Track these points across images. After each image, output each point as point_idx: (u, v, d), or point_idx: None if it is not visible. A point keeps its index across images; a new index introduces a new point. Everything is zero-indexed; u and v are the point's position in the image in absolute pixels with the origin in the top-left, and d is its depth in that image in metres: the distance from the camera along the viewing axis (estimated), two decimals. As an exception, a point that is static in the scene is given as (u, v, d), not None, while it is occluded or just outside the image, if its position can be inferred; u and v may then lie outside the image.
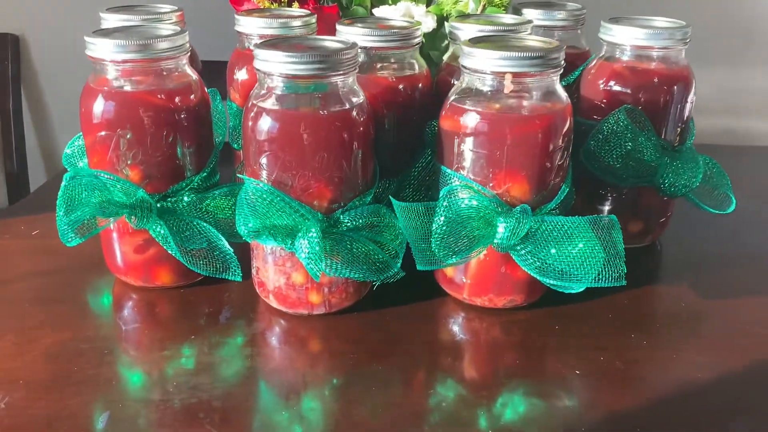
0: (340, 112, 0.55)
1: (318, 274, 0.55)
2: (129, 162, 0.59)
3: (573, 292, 0.57)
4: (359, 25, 0.66)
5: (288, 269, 0.59)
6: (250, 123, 0.55)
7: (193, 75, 0.62)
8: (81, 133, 0.70)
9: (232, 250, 0.62)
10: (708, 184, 0.70)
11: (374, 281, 0.59)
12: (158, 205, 0.59)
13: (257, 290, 0.63)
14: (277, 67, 0.53)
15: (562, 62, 0.56)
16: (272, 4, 0.77)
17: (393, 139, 0.67)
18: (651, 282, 0.70)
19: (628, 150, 0.65)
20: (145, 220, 0.59)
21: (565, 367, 0.56)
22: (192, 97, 0.61)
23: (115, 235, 0.63)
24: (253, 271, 0.62)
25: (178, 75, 0.60)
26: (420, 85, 0.68)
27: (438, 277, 0.64)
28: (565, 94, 0.58)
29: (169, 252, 0.61)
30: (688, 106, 0.69)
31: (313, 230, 0.54)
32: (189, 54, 0.62)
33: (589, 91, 0.70)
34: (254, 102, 0.56)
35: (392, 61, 0.66)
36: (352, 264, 0.56)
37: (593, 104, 0.69)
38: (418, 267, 0.58)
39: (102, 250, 0.66)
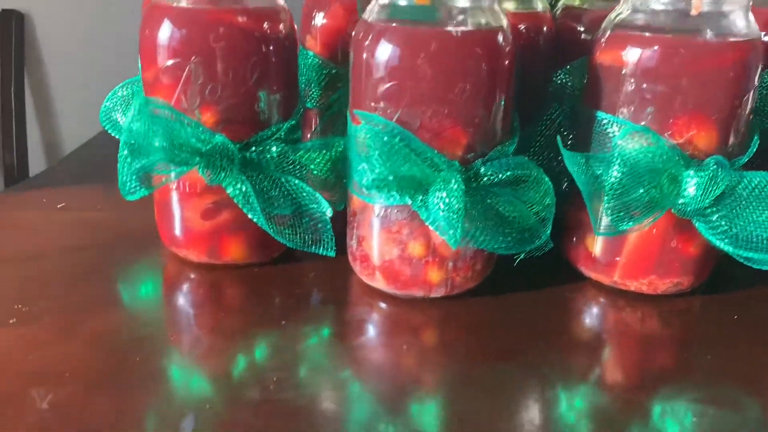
0: (485, 33, 0.43)
1: (458, 238, 0.42)
2: (201, 101, 0.46)
3: (773, 267, 0.45)
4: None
5: (404, 237, 0.46)
6: (366, 47, 0.43)
7: (284, 6, 0.50)
8: (122, 85, 0.58)
9: (328, 216, 0.49)
10: None
11: (517, 254, 0.47)
12: (240, 154, 0.47)
13: (356, 268, 0.50)
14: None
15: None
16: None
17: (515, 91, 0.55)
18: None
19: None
20: (223, 173, 0.46)
21: (750, 367, 0.44)
22: (281, 26, 0.48)
23: (175, 196, 0.50)
24: (352, 244, 0.50)
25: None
26: (544, 27, 0.56)
27: (575, 256, 0.52)
28: (757, 27, 0.46)
29: (251, 217, 0.48)
30: None
31: (454, 181, 0.42)
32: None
33: None
34: (371, 21, 0.44)
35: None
36: (494, 230, 0.44)
37: None
38: (596, 233, 0.46)
39: (154, 217, 0.53)
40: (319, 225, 0.50)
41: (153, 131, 0.44)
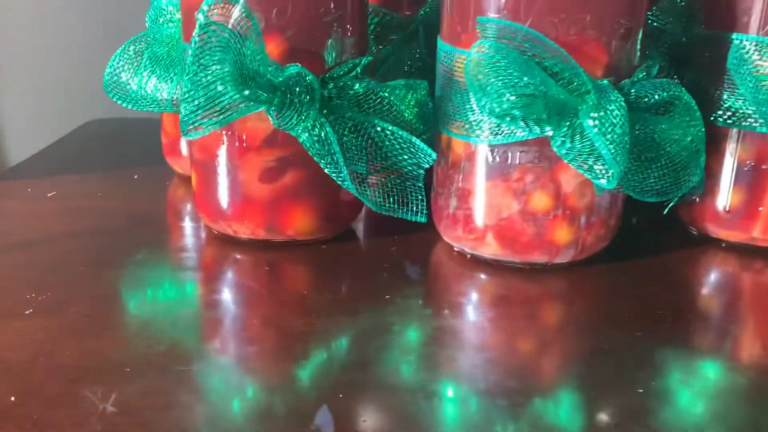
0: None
1: (620, 173, 0.34)
2: (267, 25, 0.37)
3: None
4: None
5: (528, 186, 0.38)
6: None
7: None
8: (132, 40, 0.48)
9: (422, 172, 0.40)
10: None
11: (674, 198, 0.38)
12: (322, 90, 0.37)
13: (454, 233, 0.41)
14: None
15: None
16: None
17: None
18: None
19: None
20: (303, 113, 0.37)
21: None
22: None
23: (224, 153, 0.40)
24: (450, 203, 0.40)
25: None
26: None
27: (701, 213, 0.44)
28: None
29: (331, 173, 0.38)
30: None
31: (615, 98, 0.33)
32: None
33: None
34: None
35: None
36: (648, 166, 0.36)
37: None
38: None
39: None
40: (409, 183, 0.40)
41: (216, 58, 0.34)
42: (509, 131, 0.36)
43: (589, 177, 0.35)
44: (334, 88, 0.38)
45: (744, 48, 0.40)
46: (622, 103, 0.33)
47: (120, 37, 0.52)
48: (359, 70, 0.40)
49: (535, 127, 0.35)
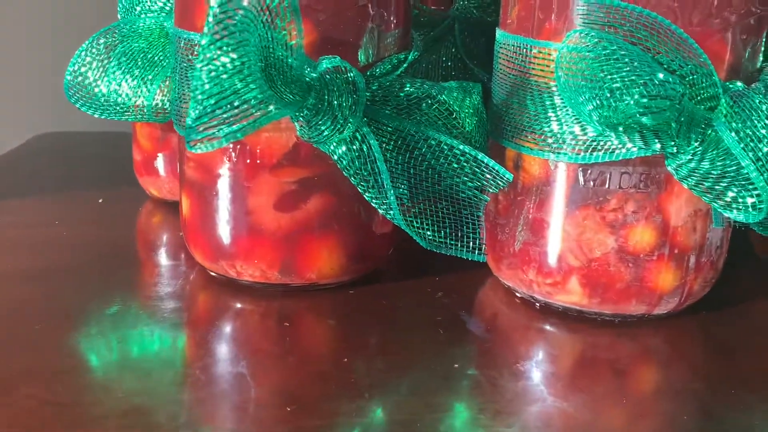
0: None
1: (763, 201, 0.26)
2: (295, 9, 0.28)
3: None
4: None
5: (628, 219, 0.29)
6: None
7: None
8: (101, 31, 0.39)
9: (486, 198, 0.31)
10: None
11: None
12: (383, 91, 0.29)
13: (523, 276, 0.32)
14: None
15: None
16: None
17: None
18: None
19: None
20: (333, 122, 0.28)
21: None
22: None
23: (228, 173, 0.31)
24: (518, 239, 0.32)
25: None
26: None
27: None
28: None
29: (372, 200, 0.29)
30: None
31: (759, 101, 0.25)
32: None
33: None
34: None
35: None
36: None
37: None
38: None
39: (185, 214, 0.33)
40: (465, 212, 0.32)
41: (236, 43, 0.25)
42: (612, 147, 0.27)
43: (718, 207, 0.27)
44: (379, 89, 0.29)
45: None
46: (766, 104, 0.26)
47: (82, 31, 0.42)
48: (405, 68, 0.31)
49: (655, 141, 0.26)
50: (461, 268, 0.35)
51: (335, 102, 0.27)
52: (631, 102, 0.24)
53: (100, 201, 0.46)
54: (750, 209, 0.26)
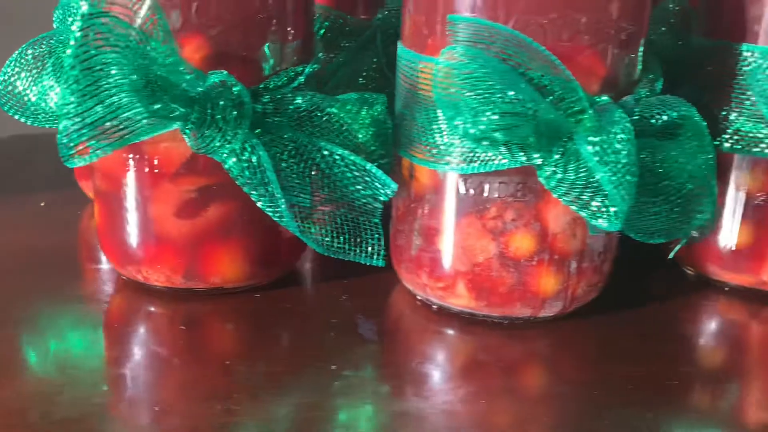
0: None
1: (626, 209, 0.27)
2: (184, 23, 0.29)
3: None
4: None
5: (507, 226, 0.31)
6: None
7: None
8: (30, 42, 0.40)
9: (379, 206, 0.33)
10: None
11: (684, 237, 0.32)
12: (254, 104, 0.30)
13: (417, 281, 0.33)
14: None
15: None
16: None
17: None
18: None
19: None
20: (228, 133, 0.29)
21: None
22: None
23: (133, 182, 0.32)
24: (414, 244, 0.33)
25: None
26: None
27: (700, 253, 0.38)
28: None
29: (265, 208, 0.30)
30: None
31: (619, 118, 0.27)
32: None
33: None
34: None
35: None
36: (655, 200, 0.30)
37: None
38: None
39: (97, 220, 0.35)
40: (362, 219, 0.33)
41: (110, 62, 0.27)
42: (486, 158, 0.29)
43: (585, 216, 0.28)
44: (270, 101, 0.30)
45: (756, 61, 0.34)
46: (628, 125, 0.27)
47: (18, 37, 0.44)
48: (303, 80, 0.32)
49: (520, 153, 0.28)
50: (375, 272, 0.36)
51: (219, 116, 0.28)
52: (484, 119, 0.25)
53: (42, 204, 0.47)
54: (611, 219, 0.28)
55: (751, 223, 0.36)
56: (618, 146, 0.26)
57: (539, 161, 0.28)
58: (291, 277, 0.37)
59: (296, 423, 0.26)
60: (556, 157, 0.27)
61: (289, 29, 0.33)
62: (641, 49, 0.31)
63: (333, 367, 0.29)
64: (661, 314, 0.36)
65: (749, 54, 0.34)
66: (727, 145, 0.35)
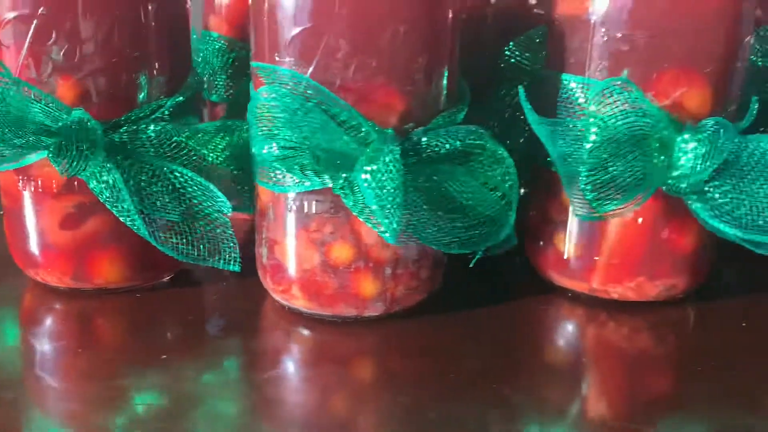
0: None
1: (396, 229, 0.32)
2: (55, 68, 0.35)
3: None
4: None
5: (327, 237, 0.35)
6: (271, -14, 0.33)
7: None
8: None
9: (228, 219, 0.38)
10: None
11: (478, 251, 0.36)
12: (106, 136, 0.36)
13: (267, 283, 0.39)
14: None
15: None
16: None
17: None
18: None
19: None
20: (81, 161, 0.35)
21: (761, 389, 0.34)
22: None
23: (26, 198, 0.38)
24: (261, 252, 0.38)
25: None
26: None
27: (544, 260, 0.42)
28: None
29: (125, 221, 0.36)
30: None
31: (388, 151, 0.31)
32: None
33: None
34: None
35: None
36: (443, 219, 0.34)
37: None
38: (577, 216, 0.36)
39: (5, 229, 0.41)
40: (219, 230, 0.38)
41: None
42: (295, 177, 0.34)
43: (376, 230, 0.33)
44: (126, 132, 0.36)
45: (570, 88, 0.37)
46: (397, 156, 0.31)
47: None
48: (167, 112, 0.38)
49: (315, 176, 0.33)
50: (254, 276, 0.41)
51: (73, 147, 0.34)
52: (265, 150, 0.31)
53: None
54: (388, 234, 0.32)
55: (580, 236, 0.40)
56: (384, 175, 0.31)
57: (330, 184, 0.32)
58: (179, 279, 0.43)
59: (162, 381, 0.32)
60: (341, 181, 0.32)
61: (155, 67, 0.38)
62: (444, 82, 0.35)
63: (163, 357, 0.34)
64: (497, 316, 0.40)
65: (567, 83, 0.38)
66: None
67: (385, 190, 0.31)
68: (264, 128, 0.33)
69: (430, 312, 0.39)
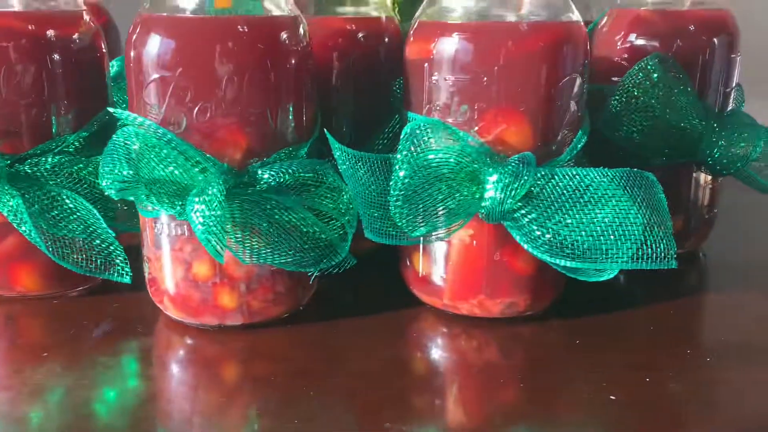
0: (258, 20, 0.39)
1: (220, 251, 0.37)
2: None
3: (600, 279, 0.39)
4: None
5: (187, 255, 0.41)
6: (133, 38, 0.39)
7: (85, 12, 0.46)
8: None
9: (113, 235, 0.44)
10: (770, 162, 0.53)
11: (311, 272, 0.41)
12: (10, 168, 0.42)
13: (149, 293, 0.45)
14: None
15: (571, -42, 0.40)
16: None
17: (352, 104, 0.51)
18: (696, 293, 0.52)
19: (662, 110, 0.49)
20: (-14, 190, 0.42)
21: (595, 393, 0.37)
22: (76, 36, 0.45)
23: (-41, 219, 0.46)
24: (144, 268, 0.44)
25: (55, 2, 0.45)
26: (385, 37, 0.52)
27: (409, 278, 0.46)
28: (578, 15, 0.42)
29: (29, 239, 0.43)
30: (734, 63, 0.53)
31: (213, 185, 0.37)
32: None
33: (603, 49, 0.54)
34: (139, 12, 0.40)
35: (350, 2, 0.51)
36: (276, 243, 0.39)
37: (611, 64, 0.53)
38: (367, 234, 0.41)
39: None
40: (112, 248, 0.44)
41: None
42: (149, 207, 0.39)
43: (233, 252, 0.38)
44: (28, 164, 0.43)
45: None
46: (221, 188, 0.36)
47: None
48: (71, 147, 0.44)
49: (158, 203, 0.38)
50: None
51: (-21, 178, 0.41)
52: (105, 182, 0.36)
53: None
54: (218, 256, 0.37)
55: (429, 256, 0.44)
56: (208, 202, 0.36)
57: (172, 211, 0.38)
58: (98, 290, 0.49)
59: (39, 377, 0.38)
60: (178, 208, 0.38)
61: (63, 106, 0.44)
62: (290, 119, 0.40)
63: (45, 354, 0.41)
64: (357, 327, 0.45)
65: (411, 119, 0.42)
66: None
67: (207, 219, 0.36)
68: (118, 154, 0.39)
69: (294, 322, 0.44)
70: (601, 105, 0.51)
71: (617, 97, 0.49)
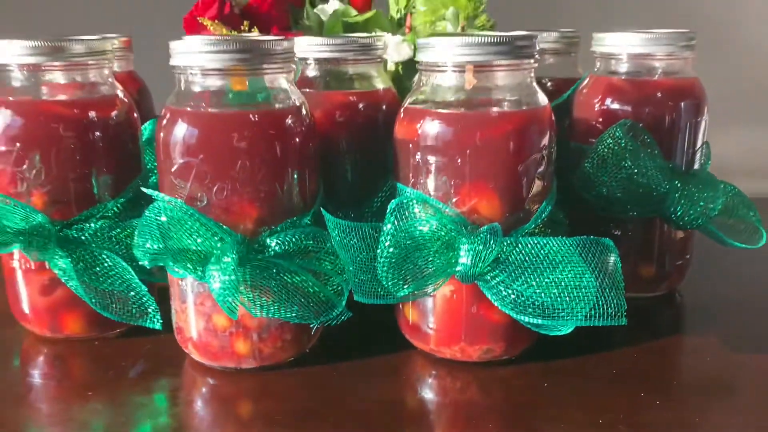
0: (266, 113, 0.46)
1: (234, 309, 0.44)
2: (30, 184, 0.50)
3: (560, 333, 0.45)
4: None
5: (208, 309, 0.48)
6: (162, 130, 0.46)
7: (120, 91, 0.54)
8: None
9: (146, 288, 0.51)
10: (732, 217, 0.59)
11: (312, 324, 0.48)
12: (60, 233, 0.50)
13: (177, 339, 0.52)
14: (192, 58, 0.45)
15: (535, 54, 0.46)
16: (230, 31, 0.70)
17: (353, 168, 0.58)
18: (666, 335, 0.57)
19: (630, 172, 0.54)
20: (42, 250, 0.50)
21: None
22: (114, 114, 0.52)
23: (19, 272, 0.53)
24: (173, 316, 0.52)
25: (95, 87, 0.52)
26: (384, 105, 0.59)
27: (402, 324, 0.53)
28: (545, 97, 0.48)
29: (75, 292, 0.51)
30: (700, 125, 0.58)
31: (228, 254, 0.44)
32: (112, 66, 0.54)
33: (582, 111, 0.60)
34: (167, 105, 0.47)
35: (351, 75, 0.58)
36: (282, 301, 0.46)
37: (588, 126, 0.59)
38: (356, 298, 0.47)
39: (6, 293, 0.57)
40: (145, 299, 0.52)
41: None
42: (174, 270, 0.47)
43: (225, 312, 0.45)
44: (75, 227, 0.51)
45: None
46: (235, 258, 0.43)
47: None
48: (109, 212, 0.52)
49: (182, 268, 0.45)
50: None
51: (33, 242, 0.49)
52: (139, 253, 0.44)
53: None
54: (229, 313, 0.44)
55: (417, 307, 0.50)
56: (223, 269, 0.43)
57: (195, 276, 0.45)
58: (127, 334, 0.56)
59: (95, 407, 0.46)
60: (200, 273, 0.45)
61: (104, 179, 0.52)
62: (295, 192, 0.47)
63: (89, 393, 0.48)
64: (356, 369, 0.51)
65: (400, 191, 0.49)
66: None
67: (223, 283, 0.43)
68: (150, 228, 0.46)
69: (301, 365, 0.51)
70: (580, 162, 0.57)
71: (590, 161, 0.55)
